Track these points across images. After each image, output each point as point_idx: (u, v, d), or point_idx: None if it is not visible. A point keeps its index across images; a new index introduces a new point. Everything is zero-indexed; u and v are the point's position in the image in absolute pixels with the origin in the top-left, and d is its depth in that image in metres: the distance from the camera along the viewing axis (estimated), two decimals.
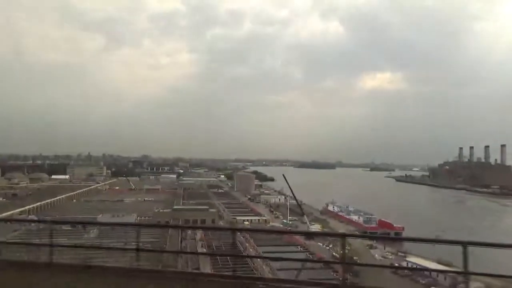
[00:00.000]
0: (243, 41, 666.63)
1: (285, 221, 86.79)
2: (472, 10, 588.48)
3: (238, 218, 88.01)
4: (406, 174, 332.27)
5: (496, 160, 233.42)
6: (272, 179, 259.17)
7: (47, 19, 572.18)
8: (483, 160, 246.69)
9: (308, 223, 78.97)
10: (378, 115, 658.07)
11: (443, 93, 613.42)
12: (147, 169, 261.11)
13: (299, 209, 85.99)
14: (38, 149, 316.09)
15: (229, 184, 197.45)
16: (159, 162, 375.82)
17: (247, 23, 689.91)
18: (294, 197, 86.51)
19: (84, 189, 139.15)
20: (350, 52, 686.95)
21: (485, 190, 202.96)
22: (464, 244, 4.34)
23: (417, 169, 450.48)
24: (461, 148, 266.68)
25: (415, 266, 49.81)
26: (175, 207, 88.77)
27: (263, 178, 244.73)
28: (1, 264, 6.14)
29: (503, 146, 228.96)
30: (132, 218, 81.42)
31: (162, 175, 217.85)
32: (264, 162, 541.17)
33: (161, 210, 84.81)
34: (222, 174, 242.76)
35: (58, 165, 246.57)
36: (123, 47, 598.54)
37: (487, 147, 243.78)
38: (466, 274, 4.79)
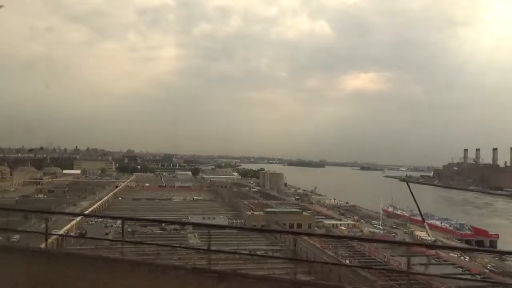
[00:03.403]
0: (230, 38, 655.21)
1: (377, 225, 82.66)
2: (456, 15, 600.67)
3: (325, 222, 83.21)
4: (407, 175, 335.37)
5: (506, 162, 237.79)
6: None
7: (31, 9, 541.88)
8: (484, 161, 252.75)
9: (428, 231, 74.73)
10: (361, 114, 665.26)
11: (427, 95, 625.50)
12: (158, 164, 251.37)
13: (420, 216, 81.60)
14: (17, 142, 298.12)
15: (251, 182, 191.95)
16: (150, 158, 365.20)
17: (235, 20, 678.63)
18: (416, 203, 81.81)
19: (119, 187, 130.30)
20: (336, 52, 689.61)
21: (499, 192, 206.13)
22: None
23: (404, 169, 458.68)
24: (466, 150, 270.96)
25: None
26: (267, 209, 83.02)
27: None
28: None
29: None
30: (223, 220, 75.68)
31: (177, 172, 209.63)
32: (252, 160, 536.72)
33: (254, 213, 78.91)
34: (235, 172, 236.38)
35: (61, 159, 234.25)
36: (108, 40, 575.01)
37: (495, 149, 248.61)
38: None
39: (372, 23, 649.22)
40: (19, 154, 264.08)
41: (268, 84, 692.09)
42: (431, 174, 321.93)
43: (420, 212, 78.31)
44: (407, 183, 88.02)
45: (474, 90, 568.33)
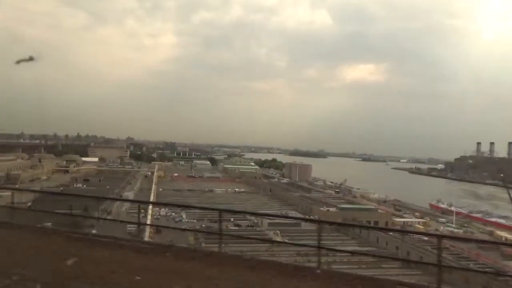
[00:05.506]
0: (230, 26, 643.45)
1: (449, 224, 79.19)
2: (455, 8, 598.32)
3: (395, 219, 79.39)
4: (415, 167, 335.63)
5: None
6: None
7: None
8: (499, 155, 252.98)
9: None
10: (359, 105, 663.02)
11: (426, 86, 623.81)
12: (177, 154, 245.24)
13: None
14: (15, 128, 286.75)
15: (273, 173, 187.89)
16: (152, 146, 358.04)
17: (235, 9, 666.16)
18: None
19: (154, 176, 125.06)
20: (335, 42, 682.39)
21: None
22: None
23: (404, 160, 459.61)
24: (479, 143, 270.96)
25: None
26: (342, 206, 79.08)
27: (282, 166, 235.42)
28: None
29: None
30: (295, 215, 71.47)
31: (195, 161, 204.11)
32: (252, 149, 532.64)
33: (330, 210, 74.88)
34: (252, 162, 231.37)
35: (71, 146, 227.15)
36: (106, 26, 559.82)
37: (511, 143, 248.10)
38: None
39: (372, 13, 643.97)
40: (22, 140, 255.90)
41: (267, 73, 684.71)
42: (439, 166, 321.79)
43: None
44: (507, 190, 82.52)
45: (474, 82, 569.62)
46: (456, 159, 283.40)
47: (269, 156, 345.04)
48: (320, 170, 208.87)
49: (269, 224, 68.21)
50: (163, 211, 74.23)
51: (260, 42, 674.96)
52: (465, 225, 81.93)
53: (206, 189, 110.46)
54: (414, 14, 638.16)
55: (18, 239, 7.52)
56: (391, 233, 64.53)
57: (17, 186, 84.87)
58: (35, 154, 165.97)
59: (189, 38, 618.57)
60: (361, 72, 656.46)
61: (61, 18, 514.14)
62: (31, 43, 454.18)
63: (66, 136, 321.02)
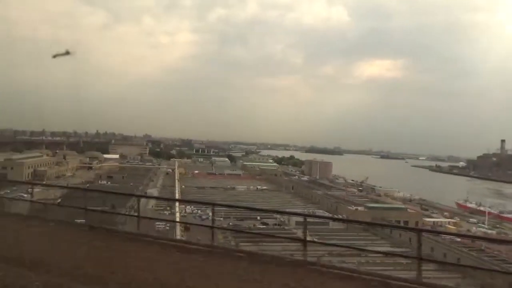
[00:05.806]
0: (245, 23, 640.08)
1: (482, 225, 76.90)
2: (476, 2, 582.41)
3: (424, 219, 77.49)
4: (436, 165, 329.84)
5: None
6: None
7: None
8: None
9: None
10: (376, 102, 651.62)
11: (444, 82, 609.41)
12: (196, 151, 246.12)
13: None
14: (36, 125, 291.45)
15: (292, 170, 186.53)
16: (169, 143, 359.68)
17: (252, 5, 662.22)
18: None
19: (176, 173, 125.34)
20: (352, 38, 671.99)
21: None
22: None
23: (423, 158, 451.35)
24: (503, 141, 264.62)
25: None
26: (369, 205, 77.66)
27: (300, 163, 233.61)
28: None
29: None
30: (323, 214, 70.27)
31: (214, 158, 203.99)
32: (268, 146, 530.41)
33: (358, 209, 73.58)
34: (270, 159, 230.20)
35: (92, 143, 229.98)
36: (123, 24, 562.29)
37: None
38: None
39: (390, 8, 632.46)
40: (44, 137, 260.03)
41: (282, 70, 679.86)
42: (460, 164, 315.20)
43: None
44: None
45: (497, 77, 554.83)
46: (478, 157, 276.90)
47: (286, 153, 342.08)
48: (338, 167, 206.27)
49: (297, 222, 67.12)
50: (188, 208, 73.99)
51: (276, 38, 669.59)
52: (497, 225, 79.53)
53: (228, 186, 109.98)
54: (433, 9, 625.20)
55: (137, 251, 6.80)
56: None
57: (44, 182, 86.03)
58: (58, 151, 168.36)
59: (205, 35, 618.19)
60: (378, 68, 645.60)
61: (78, 17, 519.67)
62: (48, 43, 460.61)
63: (86, 133, 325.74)
